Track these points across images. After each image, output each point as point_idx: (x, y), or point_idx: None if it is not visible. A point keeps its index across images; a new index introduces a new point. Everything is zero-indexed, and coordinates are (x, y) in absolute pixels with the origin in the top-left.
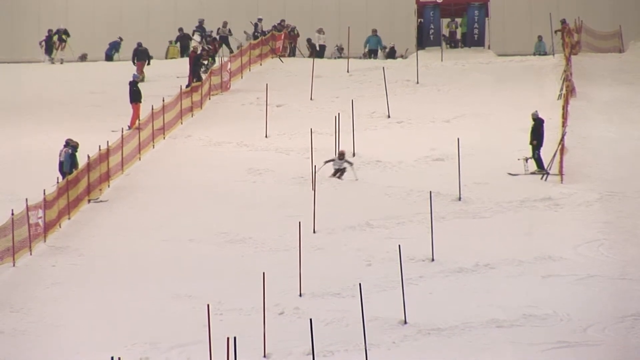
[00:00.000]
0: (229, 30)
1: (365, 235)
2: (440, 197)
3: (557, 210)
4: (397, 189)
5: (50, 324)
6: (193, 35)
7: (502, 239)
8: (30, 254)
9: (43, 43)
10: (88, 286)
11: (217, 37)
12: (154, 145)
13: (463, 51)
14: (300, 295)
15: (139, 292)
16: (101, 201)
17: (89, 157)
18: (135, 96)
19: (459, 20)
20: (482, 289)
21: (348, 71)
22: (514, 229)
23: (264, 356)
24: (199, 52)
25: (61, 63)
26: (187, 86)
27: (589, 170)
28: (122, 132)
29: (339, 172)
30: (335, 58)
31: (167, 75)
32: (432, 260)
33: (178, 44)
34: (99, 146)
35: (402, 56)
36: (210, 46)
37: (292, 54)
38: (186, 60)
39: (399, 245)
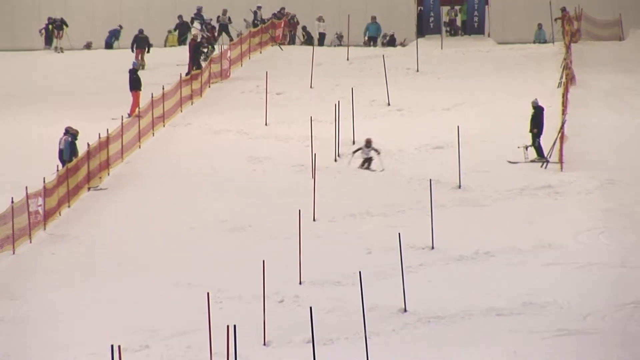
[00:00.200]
0: (229, 18)
1: (365, 223)
2: (440, 185)
3: (557, 198)
4: (397, 177)
5: (50, 312)
6: (192, 23)
7: (502, 227)
8: (30, 242)
9: (43, 31)
10: (88, 274)
11: (217, 25)
12: (153, 133)
13: (463, 39)
14: (300, 283)
15: (139, 280)
16: (101, 189)
17: (88, 145)
18: (135, 84)
19: (458, 7)
20: (482, 277)
21: (348, 59)
22: (513, 217)
23: (264, 344)
24: (199, 40)
25: (61, 52)
26: (187, 74)
27: (588, 158)
28: (122, 120)
29: (366, 162)
30: (335, 46)
31: (167, 63)
32: (432, 248)
33: (177, 32)
34: (99, 134)
35: (401, 44)
36: (209, 34)
37: (292, 42)
38: (185, 48)
39: (399, 233)
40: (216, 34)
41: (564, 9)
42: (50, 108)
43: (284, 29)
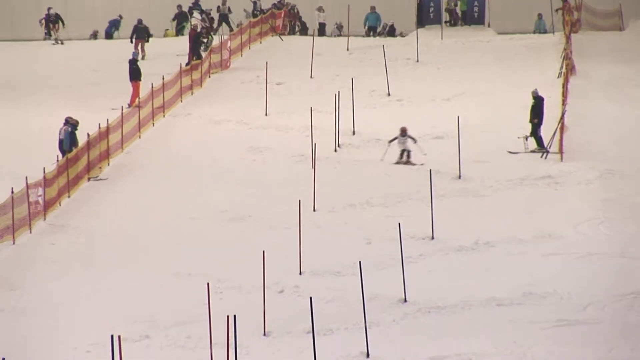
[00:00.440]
0: (229, 9)
1: (365, 213)
2: (440, 175)
3: (557, 189)
4: (397, 167)
5: (49, 302)
6: (191, 13)
7: (502, 217)
8: (30, 232)
9: (43, 21)
10: (88, 264)
11: (217, 15)
12: (153, 124)
13: (463, 29)
14: (300, 273)
15: (139, 270)
16: (101, 179)
17: (88, 135)
18: (135, 74)
19: None
20: (482, 268)
21: (348, 49)
22: (513, 207)
23: (264, 334)
24: (198, 30)
25: (61, 43)
26: (187, 64)
27: (588, 148)
28: (122, 110)
29: (405, 154)
30: (335, 36)
31: (167, 53)
32: (432, 238)
33: (175, 22)
34: (99, 124)
35: (401, 34)
36: (208, 24)
37: (292, 32)
38: (185, 38)
39: (399, 224)
40: (215, 24)
41: None
42: (51, 98)
43: (284, 19)
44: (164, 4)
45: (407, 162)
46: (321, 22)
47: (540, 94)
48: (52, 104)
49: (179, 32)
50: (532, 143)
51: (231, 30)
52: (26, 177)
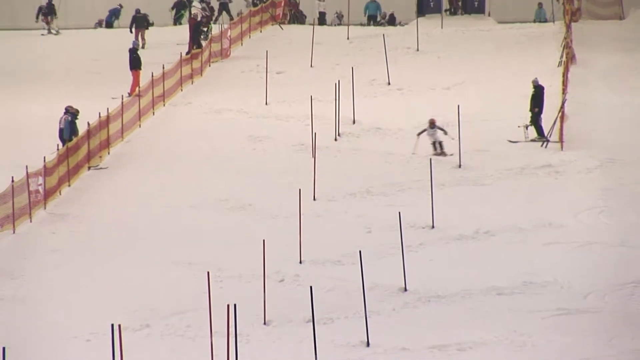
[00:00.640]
0: None
1: (365, 202)
2: (440, 164)
3: (557, 178)
4: (397, 156)
5: (50, 291)
6: (191, 2)
7: (502, 206)
8: (30, 221)
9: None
10: (88, 253)
11: (218, 3)
12: (154, 113)
13: (463, 18)
14: (301, 262)
15: (139, 259)
16: (101, 168)
17: (89, 124)
18: (135, 63)
19: None
20: (482, 257)
21: (348, 38)
22: (514, 196)
23: (264, 323)
24: (199, 19)
25: (57, 33)
26: (187, 53)
27: (589, 137)
28: (122, 99)
29: (437, 145)
30: (335, 25)
31: (167, 42)
32: (432, 227)
33: (174, 11)
34: (99, 113)
35: (401, 23)
36: (208, 12)
37: (293, 21)
38: (185, 27)
39: (399, 213)
40: (215, 13)
41: None
42: (51, 87)
43: (284, 8)
44: None
45: (442, 153)
46: (321, 11)
47: (540, 83)
48: (53, 93)
49: (177, 20)
50: (532, 132)
51: (231, 19)
52: (26, 166)
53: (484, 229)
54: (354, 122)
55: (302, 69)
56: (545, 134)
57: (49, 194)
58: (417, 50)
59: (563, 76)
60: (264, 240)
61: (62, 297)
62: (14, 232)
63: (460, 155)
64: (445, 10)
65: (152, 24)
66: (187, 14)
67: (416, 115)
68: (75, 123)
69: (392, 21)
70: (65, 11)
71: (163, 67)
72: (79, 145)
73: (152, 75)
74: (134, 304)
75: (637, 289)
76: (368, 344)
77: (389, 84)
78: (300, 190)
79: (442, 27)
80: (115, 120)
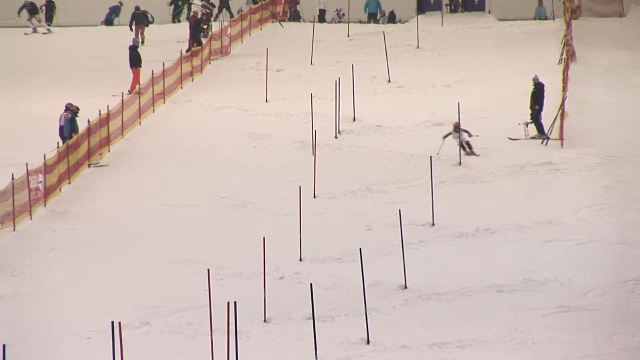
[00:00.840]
0: None
1: (365, 200)
2: (440, 162)
3: (557, 175)
4: (397, 153)
5: (50, 288)
6: None
7: (503, 204)
8: (31, 219)
9: (43, 7)
10: (88, 251)
11: (218, 0)
12: (154, 110)
13: (463, 16)
14: (301, 260)
15: (139, 256)
16: (101, 166)
17: (89, 121)
18: (135, 61)
19: None
20: (482, 254)
21: (348, 36)
22: (514, 193)
23: (264, 321)
24: (199, 16)
25: (49, 31)
26: (187, 51)
27: (589, 134)
28: (123, 96)
29: (466, 146)
30: (335, 22)
31: (167, 39)
32: (433, 225)
33: (172, 7)
34: (99, 111)
35: (400, 20)
36: (208, 10)
37: (293, 18)
38: (185, 24)
39: (399, 210)
40: (216, 10)
41: None
42: (51, 85)
43: (284, 6)
44: None
45: (472, 153)
46: (321, 8)
47: (540, 80)
48: (53, 91)
49: (175, 17)
50: (532, 129)
51: (231, 16)
52: (26, 164)
53: (484, 226)
54: (354, 120)
55: (302, 66)
56: (546, 132)
57: (49, 191)
58: (418, 47)
59: (563, 74)
60: (264, 238)
61: (62, 295)
62: (14, 230)
63: (460, 152)
64: (447, 5)
65: (152, 22)
66: (185, 10)
67: (417, 113)
68: (75, 120)
69: (392, 19)
70: (65, 9)
71: (163, 65)
72: (79, 142)
73: (152, 73)
74: (134, 301)
75: (638, 287)
76: (368, 342)
77: (389, 81)
78: (300, 187)
79: (442, 25)
80: (116, 117)
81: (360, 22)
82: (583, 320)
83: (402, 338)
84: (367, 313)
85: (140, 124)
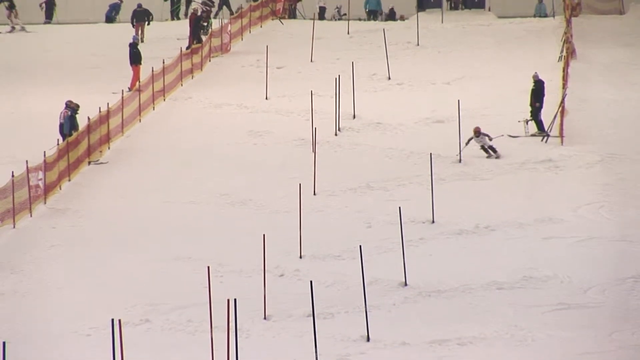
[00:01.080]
0: None
1: (365, 197)
2: (440, 159)
3: (557, 172)
4: (397, 151)
5: (50, 285)
6: None
7: (503, 201)
8: (31, 216)
9: (43, 5)
10: (88, 248)
11: None
12: (154, 107)
13: (463, 13)
14: (301, 257)
15: (139, 254)
16: (101, 163)
17: (89, 119)
18: (135, 58)
19: None
20: (482, 251)
21: (348, 33)
22: (514, 191)
23: (264, 318)
24: (199, 14)
25: (22, 29)
26: (187, 48)
27: (589, 132)
28: (122, 94)
29: (489, 150)
30: (335, 20)
31: (167, 37)
32: (433, 222)
33: (168, 2)
34: (99, 108)
35: (401, 17)
36: (208, 7)
37: (293, 15)
38: (184, 22)
39: (399, 207)
40: (216, 7)
41: None
42: (51, 82)
43: (284, 3)
44: None
45: (496, 157)
46: (321, 5)
47: (540, 77)
48: (53, 88)
49: (174, 12)
50: (532, 127)
51: (231, 13)
52: (26, 161)
53: (484, 223)
54: (354, 117)
55: (302, 63)
56: (546, 129)
57: (49, 188)
58: (418, 45)
59: (563, 71)
60: (264, 235)
61: (62, 292)
62: (14, 227)
63: (460, 150)
64: (448, 0)
65: (152, 20)
66: (183, 7)
67: (416, 110)
68: (75, 118)
69: (392, 16)
70: (65, 6)
71: (163, 62)
72: (79, 140)
73: (152, 70)
74: (134, 298)
75: (637, 284)
76: (368, 339)
77: (389, 78)
78: (300, 185)
79: (442, 22)
80: (116, 115)
81: (360, 19)
82: (583, 317)
83: (402, 335)
84: (367, 310)
85: (140, 121)
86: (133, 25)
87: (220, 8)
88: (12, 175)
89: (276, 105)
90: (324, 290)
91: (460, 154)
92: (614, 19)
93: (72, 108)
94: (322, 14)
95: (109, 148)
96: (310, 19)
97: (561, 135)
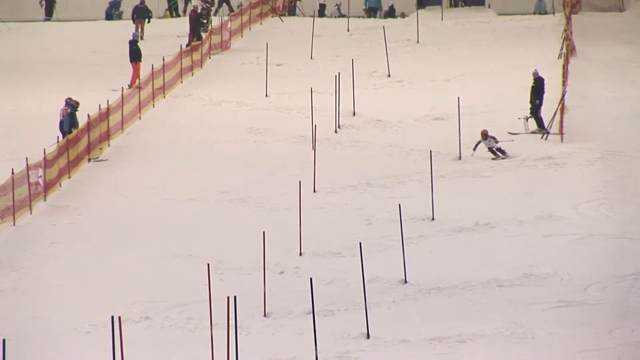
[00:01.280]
0: None
1: (365, 194)
2: (440, 157)
3: (557, 170)
4: (397, 148)
5: (50, 283)
6: None
7: (503, 198)
8: (31, 213)
9: (43, 2)
10: (88, 245)
11: None
12: (154, 105)
13: (463, 10)
14: (301, 254)
15: (139, 251)
16: (101, 160)
17: (89, 116)
18: (135, 55)
19: None
20: (482, 248)
21: (348, 30)
22: (514, 188)
23: (264, 315)
24: (199, 11)
25: None
26: (187, 45)
27: (589, 129)
28: (122, 91)
29: (497, 152)
30: (335, 17)
31: (167, 34)
32: (433, 219)
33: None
34: (99, 105)
35: (402, 14)
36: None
37: (293, 13)
38: (184, 19)
39: (399, 205)
40: (216, 4)
41: None
42: (51, 79)
43: (284, 0)
44: None
45: (503, 157)
46: (321, 2)
47: (540, 74)
48: (52, 85)
49: (171, 7)
50: (532, 124)
51: (231, 11)
52: (26, 158)
53: (484, 221)
54: (354, 114)
55: (302, 61)
56: (546, 126)
57: (49, 186)
58: (417, 42)
59: (563, 68)
60: (264, 232)
61: (62, 289)
62: (14, 224)
63: (460, 147)
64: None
65: (152, 17)
66: (182, 4)
67: (416, 108)
68: (75, 115)
69: (392, 13)
70: (65, 3)
71: (163, 59)
72: (79, 137)
73: (152, 67)
74: (134, 296)
75: (637, 281)
76: (368, 336)
77: (389, 76)
78: (300, 182)
79: (442, 19)
80: (115, 112)
81: (359, 17)
82: (583, 314)
83: (402, 332)
84: (367, 307)
85: (140, 118)
86: (133, 22)
87: (220, 5)
88: (12, 173)
89: (276, 102)
90: (324, 288)
91: (461, 153)
92: (614, 16)
93: (72, 105)
94: (322, 12)
95: (108, 145)
96: (310, 16)
97: (561, 133)
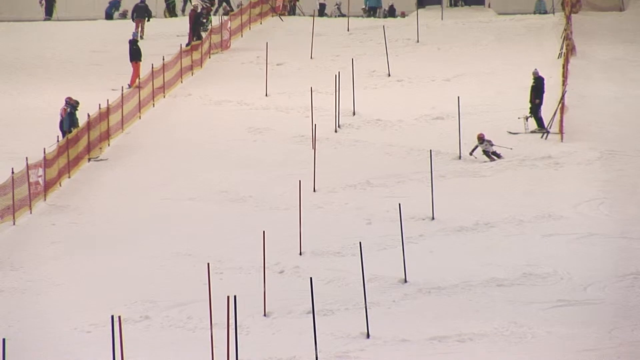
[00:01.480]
0: None
1: (365, 194)
2: (440, 156)
3: (557, 169)
4: (397, 147)
5: (50, 282)
6: None
7: (502, 198)
8: (31, 213)
9: (43, 1)
10: (88, 245)
11: None
12: (154, 104)
13: (463, 10)
14: (301, 254)
15: (139, 250)
16: (101, 160)
17: (89, 115)
18: (135, 55)
19: None
20: (482, 248)
21: (348, 30)
22: (514, 187)
23: (264, 315)
24: (199, 10)
25: None
26: (187, 45)
27: (589, 128)
28: (122, 90)
29: (492, 155)
30: (335, 16)
31: (167, 33)
32: (433, 219)
33: None
34: (99, 105)
35: (402, 14)
36: (208, 3)
37: (292, 12)
38: (184, 18)
39: (399, 204)
40: (216, 4)
41: None
42: (51, 79)
43: (284, 0)
44: None
45: (497, 157)
46: (321, 2)
47: (540, 74)
48: (53, 85)
49: (169, 5)
50: (532, 123)
51: (231, 10)
52: (26, 158)
53: (484, 220)
54: (354, 114)
55: (302, 60)
56: (545, 126)
57: (49, 185)
58: (417, 41)
59: (563, 68)
60: (264, 232)
61: (61, 289)
62: (14, 224)
63: (460, 146)
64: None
65: (152, 16)
66: (180, 3)
67: (416, 107)
68: (75, 115)
69: (392, 12)
70: (65, 3)
71: (163, 59)
72: (79, 136)
73: (152, 67)
74: (134, 295)
75: (637, 281)
76: (368, 336)
77: (389, 75)
78: (300, 181)
79: (442, 19)
80: (115, 111)
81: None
82: (583, 314)
83: (402, 332)
84: (367, 307)
85: (140, 118)
86: (133, 21)
87: (219, 5)
88: (12, 172)
89: (276, 102)
90: (324, 287)
91: (461, 153)
92: (614, 16)
93: (72, 105)
94: (322, 11)
95: (108, 145)
96: (310, 15)
97: (561, 132)
